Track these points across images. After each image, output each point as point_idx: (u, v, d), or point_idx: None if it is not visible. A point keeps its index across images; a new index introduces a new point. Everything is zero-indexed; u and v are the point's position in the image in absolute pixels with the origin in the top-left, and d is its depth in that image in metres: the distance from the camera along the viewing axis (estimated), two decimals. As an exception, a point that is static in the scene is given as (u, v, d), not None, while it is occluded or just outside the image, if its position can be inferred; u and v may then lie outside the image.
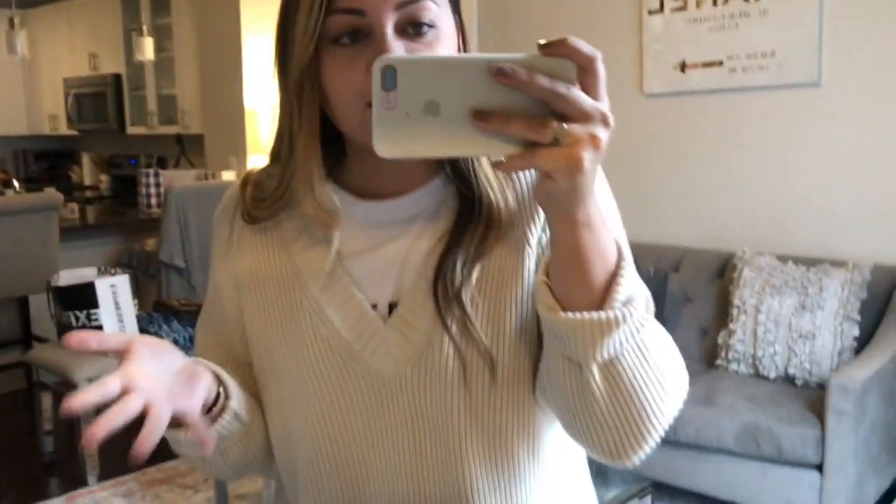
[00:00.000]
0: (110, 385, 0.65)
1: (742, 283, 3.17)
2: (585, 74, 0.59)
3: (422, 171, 0.83)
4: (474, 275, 0.77)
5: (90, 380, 3.35)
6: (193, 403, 0.74)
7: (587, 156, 0.58)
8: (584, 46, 0.59)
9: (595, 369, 0.67)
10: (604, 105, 0.60)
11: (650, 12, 3.73)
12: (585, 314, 0.65)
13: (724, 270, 3.40)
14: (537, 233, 0.80)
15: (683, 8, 3.63)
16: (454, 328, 0.76)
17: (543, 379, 0.76)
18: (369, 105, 0.63)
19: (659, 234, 3.77)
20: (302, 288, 0.81)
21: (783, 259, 3.19)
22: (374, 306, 0.80)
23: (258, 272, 0.85)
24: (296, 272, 0.82)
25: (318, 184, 0.78)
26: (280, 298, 0.83)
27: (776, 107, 3.43)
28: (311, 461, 0.83)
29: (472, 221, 0.79)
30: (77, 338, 0.67)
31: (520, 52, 0.59)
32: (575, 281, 0.65)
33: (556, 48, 0.58)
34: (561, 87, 0.58)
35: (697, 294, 3.45)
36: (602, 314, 0.64)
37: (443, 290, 0.76)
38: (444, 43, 0.74)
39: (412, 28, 0.72)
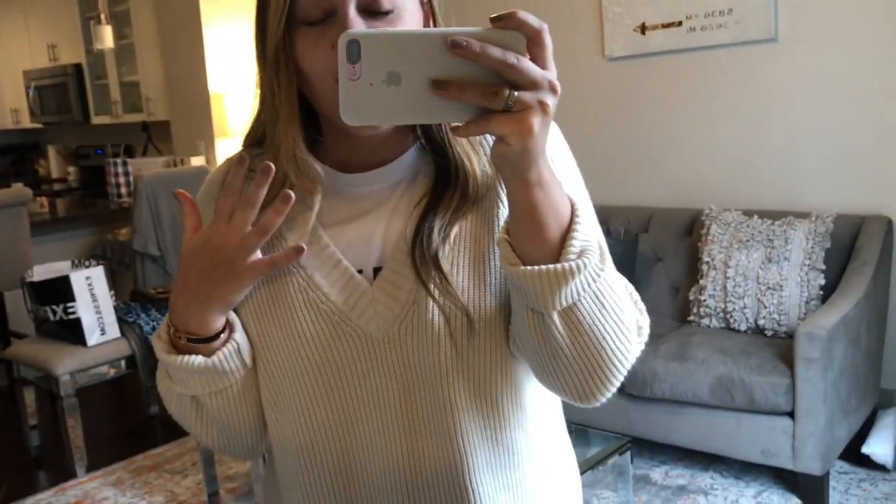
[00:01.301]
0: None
1: (710, 239, 3.24)
2: (534, 45, 0.64)
3: (396, 143, 0.87)
4: (451, 237, 0.82)
5: (71, 373, 3.36)
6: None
7: (537, 120, 0.64)
8: (532, 19, 0.64)
9: (556, 317, 0.73)
10: (551, 73, 0.65)
11: (608, -24, 3.75)
12: (542, 266, 0.70)
13: (692, 228, 3.46)
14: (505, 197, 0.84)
15: (641, -30, 3.65)
16: (434, 288, 0.81)
17: (514, 331, 0.81)
18: (338, 80, 0.69)
19: (627, 196, 3.82)
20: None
21: (749, 213, 3.26)
22: (360, 272, 0.85)
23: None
24: (282, 243, 0.86)
25: (300, 152, 0.82)
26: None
27: (736, 64, 3.47)
28: (304, 426, 0.86)
29: (448, 187, 0.84)
30: (181, 193, 0.85)
31: (474, 27, 0.64)
32: (531, 236, 0.71)
33: (506, 21, 0.63)
34: (511, 58, 0.62)
35: (668, 252, 3.51)
36: (558, 266, 0.70)
37: (420, 254, 0.81)
38: (407, 22, 0.79)
39: (373, 9, 0.77)
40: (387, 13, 0.78)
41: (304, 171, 0.83)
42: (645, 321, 0.83)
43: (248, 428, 0.91)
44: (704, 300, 3.19)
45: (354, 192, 0.87)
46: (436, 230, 0.82)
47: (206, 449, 2.95)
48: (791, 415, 2.71)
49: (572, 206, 0.73)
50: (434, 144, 0.86)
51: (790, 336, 2.95)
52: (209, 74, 5.06)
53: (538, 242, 0.71)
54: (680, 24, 3.58)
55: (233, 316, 0.87)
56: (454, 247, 0.82)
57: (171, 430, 3.80)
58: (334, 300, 0.84)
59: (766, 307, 3.04)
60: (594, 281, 0.73)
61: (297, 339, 0.84)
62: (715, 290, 3.16)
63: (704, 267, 3.21)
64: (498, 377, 0.84)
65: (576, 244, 0.71)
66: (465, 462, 0.84)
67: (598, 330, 0.74)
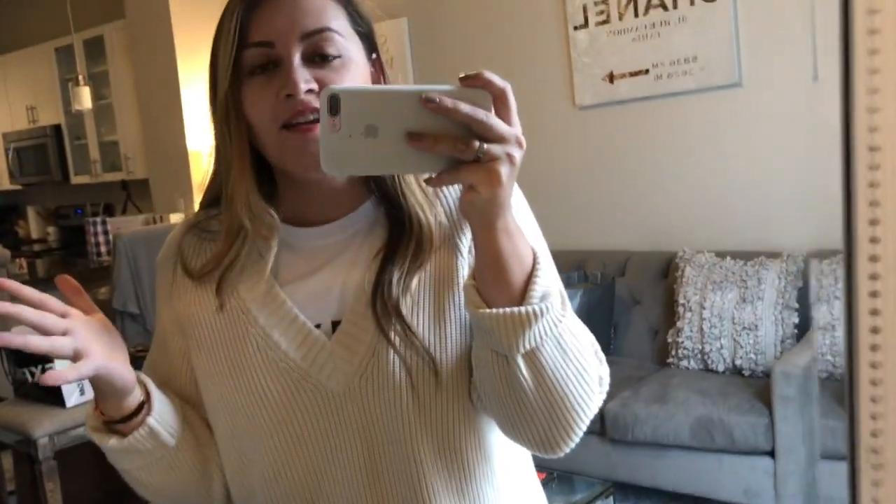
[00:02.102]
0: (51, 304, 0.78)
1: (685, 281, 3.28)
2: (499, 103, 0.69)
3: (351, 197, 0.90)
4: (412, 286, 0.84)
5: (50, 436, 3.31)
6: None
7: (505, 170, 0.68)
8: (496, 79, 0.69)
9: (520, 360, 0.75)
10: (517, 129, 0.69)
11: (575, 27, 3.85)
12: (507, 309, 0.73)
13: (667, 270, 3.51)
14: (467, 242, 0.87)
15: (606, 21, 3.75)
16: (396, 339, 0.82)
17: (476, 378, 0.83)
18: (284, 128, 0.79)
19: (603, 241, 3.87)
20: (246, 316, 0.87)
21: (721, 255, 3.31)
22: (318, 326, 0.86)
23: (202, 308, 0.90)
24: (239, 302, 0.87)
25: (253, 199, 0.85)
26: (226, 330, 0.88)
27: (702, 109, 3.56)
28: (269, 485, 0.87)
29: (404, 237, 0.86)
30: (64, 278, 0.82)
31: (446, 84, 0.69)
32: (496, 281, 0.74)
33: (473, 80, 0.68)
34: (481, 114, 0.67)
35: (645, 295, 3.54)
36: (521, 308, 0.73)
37: (381, 304, 0.83)
38: (352, 71, 0.83)
39: (319, 57, 0.81)
40: (331, 60, 0.82)
41: (260, 219, 0.85)
42: (605, 371, 0.85)
43: (189, 492, 0.93)
44: (682, 342, 3.22)
45: (309, 247, 0.89)
46: (395, 280, 0.84)
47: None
48: (771, 454, 2.72)
49: (534, 254, 0.76)
50: (388, 197, 0.89)
51: (767, 375, 2.97)
52: (187, 132, 5.11)
53: (503, 287, 0.74)
54: (647, 72, 3.67)
55: (156, 398, 0.87)
56: (415, 298, 0.84)
57: (152, 491, 3.74)
58: (293, 357, 0.85)
59: (742, 347, 3.07)
60: (556, 325, 0.75)
61: (258, 400, 0.85)
62: (692, 331, 3.19)
63: (680, 309, 3.25)
64: (462, 429, 0.85)
65: (538, 289, 0.74)
66: None
67: (561, 375, 0.77)
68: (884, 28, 0.37)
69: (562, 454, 0.82)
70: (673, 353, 3.26)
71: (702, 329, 3.16)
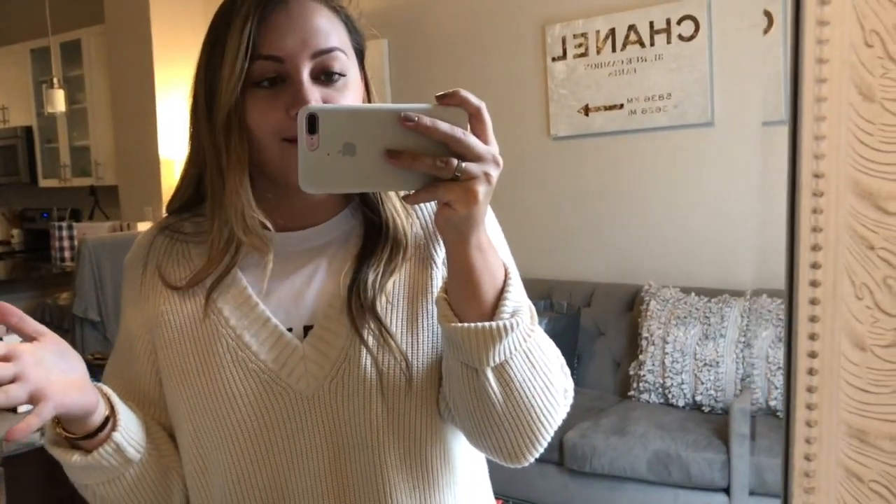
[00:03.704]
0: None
1: (649, 315, 3.30)
2: (475, 121, 0.70)
3: (331, 205, 0.91)
4: (388, 288, 0.85)
5: (0, 440, 3.24)
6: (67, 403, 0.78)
7: (481, 189, 0.69)
8: (472, 98, 0.70)
9: (489, 373, 0.76)
10: (494, 148, 0.71)
11: (554, 59, 3.89)
12: (478, 324, 0.74)
13: (633, 303, 3.53)
14: (441, 254, 0.88)
15: (585, 54, 3.80)
16: (370, 340, 0.83)
17: (446, 390, 0.84)
18: (285, 140, 0.80)
19: (571, 271, 3.89)
20: (218, 316, 0.87)
21: (686, 290, 3.34)
22: (290, 330, 0.86)
23: (173, 307, 0.89)
24: (211, 303, 0.87)
25: (249, 212, 0.84)
26: (196, 328, 0.87)
27: (674, 146, 3.60)
28: (231, 488, 0.86)
29: (380, 242, 0.88)
30: (4, 307, 0.75)
31: (423, 103, 0.70)
32: (469, 296, 0.75)
33: (449, 98, 0.70)
34: (458, 132, 0.68)
35: (609, 327, 3.56)
36: (492, 324, 0.74)
37: (357, 305, 0.84)
38: (351, 89, 0.85)
39: (325, 76, 0.83)
40: (336, 79, 0.83)
41: (255, 232, 0.85)
42: (570, 385, 0.87)
43: (153, 501, 0.91)
44: (644, 375, 3.23)
45: (284, 252, 0.89)
46: (370, 281, 0.85)
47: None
48: (727, 491, 2.73)
49: (506, 270, 0.77)
50: (367, 202, 0.91)
51: (726, 412, 2.99)
52: (160, 140, 5.07)
53: (474, 302, 0.75)
54: (622, 106, 3.71)
55: (121, 412, 0.86)
56: (390, 301, 0.86)
57: (102, 503, 3.67)
58: (263, 359, 0.85)
59: (703, 383, 3.09)
60: (525, 340, 0.77)
61: (225, 399, 0.84)
62: (654, 365, 3.21)
63: (644, 342, 3.27)
64: (429, 437, 0.86)
65: (509, 305, 0.75)
66: None
67: (529, 388, 0.78)
68: (831, 77, 0.38)
69: (526, 464, 0.84)
70: (634, 385, 3.28)
71: (664, 363, 3.18)
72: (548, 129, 3.95)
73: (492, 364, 0.76)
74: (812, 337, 0.39)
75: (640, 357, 3.26)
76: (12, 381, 0.71)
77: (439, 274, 0.88)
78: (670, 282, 3.47)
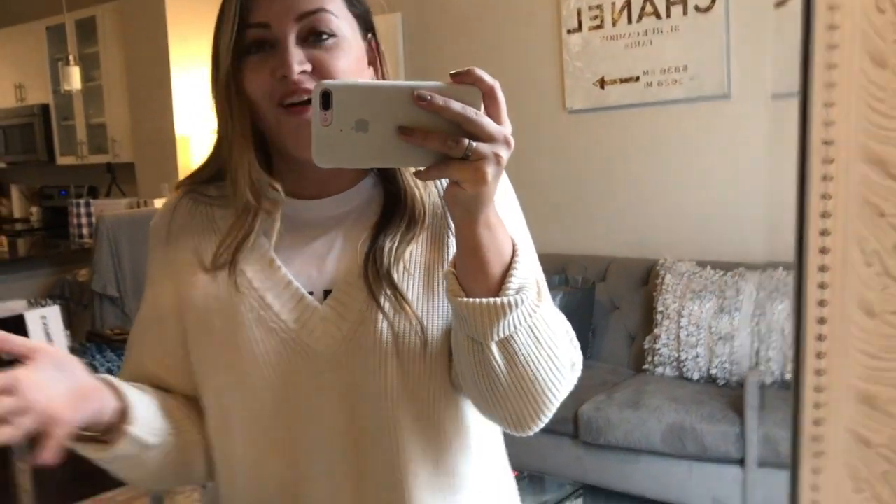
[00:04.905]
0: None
1: (664, 289, 3.29)
2: (489, 100, 0.70)
3: (350, 174, 0.93)
4: (405, 256, 0.87)
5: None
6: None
7: (491, 170, 0.69)
8: (486, 77, 0.70)
9: (493, 347, 0.78)
10: (507, 128, 0.71)
11: (569, 31, 3.86)
12: (482, 299, 0.75)
13: (648, 278, 3.52)
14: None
15: (600, 26, 3.76)
16: (386, 305, 0.85)
17: (455, 361, 0.86)
18: (279, 105, 0.83)
19: (585, 245, 3.88)
20: (241, 278, 0.89)
21: (702, 264, 3.33)
22: (311, 293, 0.89)
23: (198, 269, 0.91)
24: (235, 265, 0.89)
25: (255, 174, 0.87)
26: (220, 286, 0.89)
27: (690, 119, 3.58)
28: (251, 444, 0.89)
29: (398, 212, 0.89)
30: None
31: (436, 81, 0.70)
32: (475, 271, 0.76)
33: (463, 77, 0.69)
34: (471, 112, 0.68)
35: (624, 301, 3.56)
36: (496, 300, 0.75)
37: (373, 271, 0.86)
38: (343, 49, 0.86)
39: (313, 37, 0.84)
40: (325, 39, 0.84)
41: (263, 193, 0.88)
42: (578, 357, 0.88)
43: (171, 477, 0.94)
44: (658, 349, 3.24)
45: (306, 218, 0.92)
46: (387, 249, 0.87)
47: (157, 495, 2.91)
48: (741, 463, 2.74)
49: (514, 246, 0.78)
50: (386, 172, 0.92)
51: (741, 385, 2.99)
52: (176, 117, 5.09)
53: (481, 277, 0.76)
54: (637, 79, 3.68)
55: (135, 404, 0.86)
56: (407, 268, 0.87)
57: (123, 475, 3.73)
58: (285, 319, 0.87)
59: (717, 356, 3.09)
60: (530, 316, 0.78)
61: (248, 357, 0.87)
62: (669, 339, 3.21)
63: (659, 316, 3.27)
64: (442, 401, 0.88)
65: (514, 282, 0.76)
66: (408, 481, 0.87)
67: (533, 362, 0.80)
68: (842, 43, 0.38)
69: (531, 433, 0.86)
70: (649, 359, 3.28)
71: (679, 337, 3.18)
72: (563, 102, 3.93)
73: (496, 338, 0.77)
74: (821, 304, 0.39)
75: (655, 331, 3.27)
76: (21, 414, 0.70)
77: (454, 245, 0.88)
78: (685, 256, 3.46)
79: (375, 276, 0.86)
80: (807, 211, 0.41)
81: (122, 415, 0.85)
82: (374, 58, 0.92)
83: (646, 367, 3.30)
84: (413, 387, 0.87)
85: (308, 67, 0.83)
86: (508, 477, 1.03)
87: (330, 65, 0.84)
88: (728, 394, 2.96)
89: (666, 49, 3.58)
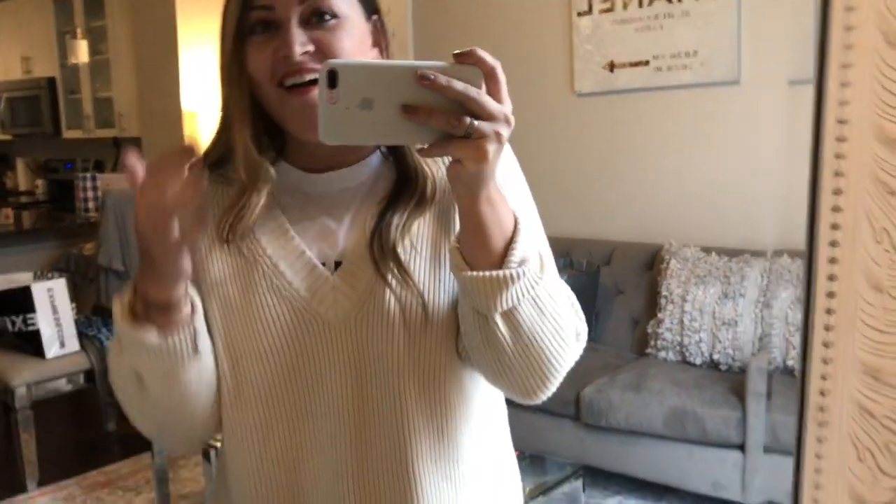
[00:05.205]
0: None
1: (669, 274, 3.31)
2: (490, 80, 0.72)
3: (358, 149, 0.94)
4: (412, 231, 0.89)
5: (28, 385, 3.33)
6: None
7: (492, 148, 0.71)
8: (488, 58, 0.72)
9: (498, 319, 0.80)
10: (507, 107, 0.73)
11: (579, 14, 3.85)
12: (485, 272, 0.78)
13: (653, 263, 3.53)
14: None
15: (611, 9, 3.75)
16: (392, 280, 0.87)
17: (462, 332, 0.88)
18: (279, 85, 0.85)
19: (591, 229, 3.89)
20: (256, 245, 0.91)
21: (707, 250, 3.34)
22: (323, 264, 0.91)
23: (215, 234, 0.93)
24: (250, 234, 0.92)
25: (248, 154, 0.89)
26: (236, 255, 0.92)
27: (699, 104, 3.57)
28: (260, 408, 0.90)
29: (408, 187, 0.91)
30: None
31: (439, 61, 0.72)
32: (478, 245, 0.78)
33: (465, 57, 0.71)
34: (473, 92, 0.70)
35: (628, 285, 3.57)
36: (499, 272, 0.78)
37: (378, 247, 0.88)
38: (346, 29, 0.87)
39: (316, 17, 0.85)
40: (327, 20, 0.86)
41: (254, 171, 0.90)
42: (583, 328, 0.90)
43: (188, 416, 0.91)
44: (662, 333, 3.25)
45: (318, 191, 0.94)
46: (394, 225, 0.89)
47: (161, 467, 2.94)
48: (741, 448, 2.76)
49: (516, 221, 0.80)
50: (397, 150, 0.94)
51: (743, 371, 3.01)
52: (183, 93, 5.08)
53: (484, 251, 0.78)
54: (647, 63, 3.68)
55: (196, 303, 0.88)
56: (414, 244, 0.89)
57: (127, 447, 3.77)
58: (297, 287, 0.90)
59: (720, 342, 3.10)
60: (533, 288, 0.80)
61: (259, 323, 0.89)
62: (672, 323, 3.23)
63: (662, 301, 3.28)
64: (448, 371, 0.91)
65: (516, 255, 0.78)
66: (410, 451, 0.89)
67: (538, 332, 0.82)
68: (858, 25, 0.39)
69: (539, 401, 0.88)
70: (652, 343, 3.30)
71: (682, 322, 3.19)
72: (572, 85, 3.93)
73: (500, 310, 0.79)
74: (831, 278, 0.40)
75: (659, 315, 3.28)
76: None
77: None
78: (691, 241, 3.46)
79: (381, 251, 0.88)
80: (819, 187, 0.42)
81: (191, 306, 0.85)
82: (379, 39, 0.93)
83: (649, 350, 3.32)
84: (419, 358, 0.89)
85: (310, 48, 0.84)
86: (510, 454, 1.05)
87: (332, 45, 0.85)
88: (730, 379, 2.98)
89: (676, 34, 3.57)
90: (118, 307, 0.85)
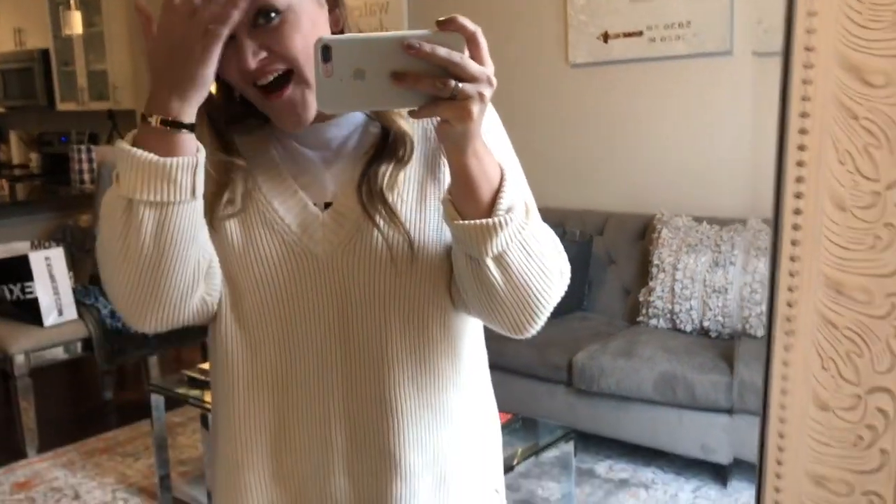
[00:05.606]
0: None
1: (661, 243, 3.34)
2: (471, 44, 0.78)
3: None
4: (398, 179, 0.96)
5: (26, 353, 3.36)
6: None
7: (476, 108, 0.78)
8: (468, 23, 0.78)
9: (490, 262, 0.87)
10: (489, 69, 0.79)
11: (573, -16, 3.85)
12: (477, 220, 0.85)
13: (644, 232, 3.57)
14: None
15: (605, -20, 3.76)
16: (380, 220, 0.94)
17: (456, 277, 0.95)
18: (254, 86, 0.89)
19: (584, 199, 3.92)
20: (253, 182, 0.97)
21: (699, 219, 3.37)
22: (314, 204, 0.97)
23: (218, 172, 0.96)
24: (251, 172, 0.98)
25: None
26: (235, 192, 0.97)
27: (692, 75, 3.59)
28: (251, 331, 0.96)
29: (392, 144, 0.97)
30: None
31: (424, 30, 0.78)
32: (468, 196, 0.85)
33: (447, 24, 0.77)
34: (456, 57, 0.76)
35: (620, 255, 3.61)
36: (489, 220, 0.85)
37: (367, 192, 0.95)
38: (292, 22, 0.88)
39: (262, 17, 0.87)
40: (272, 18, 0.87)
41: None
42: (566, 266, 0.97)
43: (166, 275, 0.88)
44: (653, 301, 3.29)
45: (310, 141, 0.99)
46: (381, 172, 0.95)
47: (159, 433, 2.98)
48: (730, 412, 2.82)
49: (502, 172, 0.87)
50: (378, 112, 0.98)
51: (733, 337, 3.06)
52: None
53: (473, 202, 0.85)
54: (641, 34, 3.69)
55: (201, 147, 0.87)
56: (399, 189, 0.96)
57: (125, 415, 3.81)
58: (289, 223, 0.96)
59: (710, 309, 3.15)
60: (520, 233, 0.87)
61: (253, 254, 0.95)
62: (663, 291, 3.27)
63: (654, 269, 3.32)
64: (432, 307, 0.97)
65: (503, 203, 0.85)
66: (392, 377, 0.96)
67: (526, 272, 0.89)
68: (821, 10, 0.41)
69: (528, 335, 0.95)
70: (644, 311, 3.34)
71: (673, 290, 3.23)
72: (566, 56, 3.94)
73: (491, 255, 0.86)
74: (797, 196, 0.44)
75: (650, 284, 3.32)
76: None
77: (446, 171, 0.95)
78: (682, 211, 3.50)
79: (369, 195, 0.95)
80: (788, 112, 0.45)
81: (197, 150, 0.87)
82: (336, 14, 0.96)
83: (640, 318, 3.36)
84: (403, 291, 0.95)
85: (262, 55, 0.87)
86: (491, 400, 1.11)
87: (282, 45, 0.87)
88: (720, 345, 3.03)
89: (669, 4, 3.58)
90: (124, 140, 0.86)
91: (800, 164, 0.44)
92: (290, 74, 0.88)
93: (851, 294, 0.43)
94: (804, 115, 0.43)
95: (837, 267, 0.43)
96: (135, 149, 0.83)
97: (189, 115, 0.84)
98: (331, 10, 0.95)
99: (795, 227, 0.44)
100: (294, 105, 0.90)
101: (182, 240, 0.87)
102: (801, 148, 0.44)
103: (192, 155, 0.85)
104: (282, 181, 0.98)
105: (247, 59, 0.87)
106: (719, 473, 3.03)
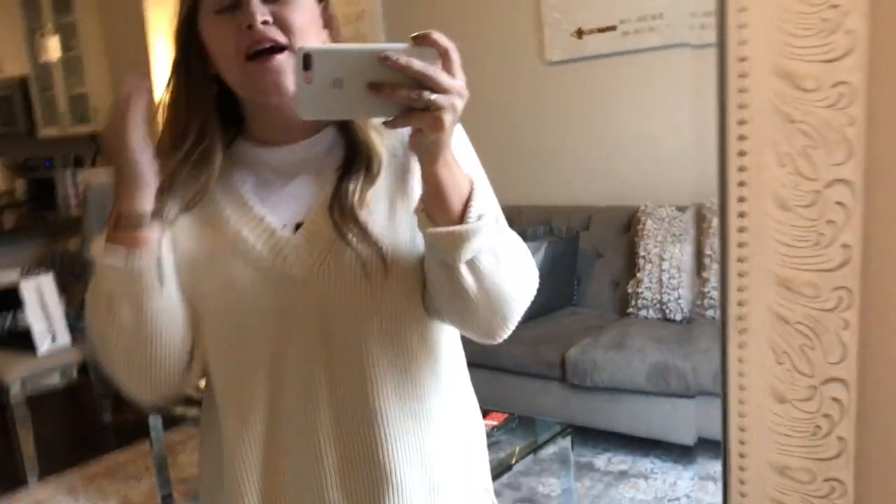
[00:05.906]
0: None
1: (646, 234, 3.37)
2: (445, 59, 0.81)
3: (311, 123, 1.03)
4: (367, 196, 0.98)
5: (22, 381, 3.37)
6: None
7: (448, 118, 0.81)
8: (442, 39, 0.81)
9: (462, 268, 0.90)
10: (460, 82, 0.82)
11: (545, -18, 3.87)
12: (449, 228, 0.88)
13: (630, 224, 3.60)
14: (417, 170, 0.99)
15: (576, -24, 3.78)
16: (352, 238, 0.96)
17: (429, 285, 0.98)
18: (247, 58, 0.92)
19: (568, 196, 3.94)
20: (220, 215, 1.00)
21: (682, 209, 3.40)
22: (284, 226, 0.99)
23: (181, 206, 1.00)
24: (215, 205, 1.00)
25: (207, 126, 0.99)
26: (202, 226, 1.00)
27: (667, 66, 3.62)
28: (237, 360, 0.99)
29: (358, 160, 1.00)
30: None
31: (401, 43, 0.81)
32: (440, 205, 0.89)
33: (423, 39, 0.81)
34: (430, 70, 0.80)
35: (607, 249, 3.64)
36: (461, 227, 0.88)
37: (339, 210, 0.97)
38: (300, 6, 0.96)
39: None
40: None
41: (209, 150, 0.99)
42: (534, 272, 1.01)
43: (156, 355, 0.97)
44: (641, 292, 3.32)
45: (279, 162, 1.02)
46: (350, 190, 0.98)
47: (159, 453, 2.98)
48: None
49: (471, 182, 0.90)
50: (345, 126, 1.02)
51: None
52: (157, 85, 5.07)
53: (445, 210, 0.88)
54: (614, 28, 3.72)
55: (168, 239, 0.95)
56: (369, 206, 0.98)
57: (125, 437, 3.81)
58: (259, 250, 0.98)
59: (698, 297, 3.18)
60: (490, 238, 0.90)
61: (227, 285, 0.97)
62: (651, 282, 3.30)
63: (641, 261, 3.35)
64: (407, 317, 1.00)
65: (474, 211, 0.89)
66: (375, 389, 0.98)
67: (497, 277, 0.92)
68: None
69: (498, 341, 0.99)
70: (633, 303, 3.37)
71: (661, 280, 3.26)
72: (542, 54, 3.96)
73: (463, 260, 0.89)
74: (741, 200, 0.46)
75: (638, 275, 3.35)
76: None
77: (416, 185, 0.99)
78: (665, 201, 3.53)
79: (341, 213, 0.97)
80: (726, 120, 0.47)
81: (159, 228, 0.94)
82: (330, 21, 1.02)
83: (630, 310, 3.39)
84: (379, 305, 0.98)
85: (269, 19, 0.92)
86: (473, 401, 1.14)
87: (288, 17, 0.93)
88: (710, 332, 3.05)
89: (641, -3, 3.61)
90: (96, 242, 0.94)
91: (741, 168, 0.46)
92: (283, 51, 0.93)
93: (800, 290, 0.44)
94: (742, 122, 0.45)
95: (785, 264, 0.45)
96: (101, 258, 0.92)
97: (140, 206, 0.92)
98: (326, 24, 1.01)
99: (741, 230, 0.46)
100: (280, 71, 0.93)
101: (161, 321, 0.95)
102: (742, 153, 0.46)
103: (154, 247, 0.93)
104: (247, 210, 1.00)
105: (255, 15, 0.91)
106: (717, 459, 3.05)
